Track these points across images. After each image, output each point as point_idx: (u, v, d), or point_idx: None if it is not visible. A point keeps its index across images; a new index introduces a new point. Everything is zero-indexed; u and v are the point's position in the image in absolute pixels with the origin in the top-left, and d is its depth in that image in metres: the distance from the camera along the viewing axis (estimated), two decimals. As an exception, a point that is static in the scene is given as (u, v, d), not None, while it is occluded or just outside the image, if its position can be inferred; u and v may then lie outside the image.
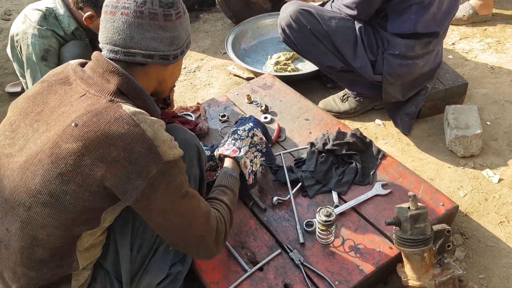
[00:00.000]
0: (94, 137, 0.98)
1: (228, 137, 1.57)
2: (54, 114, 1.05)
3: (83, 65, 1.15)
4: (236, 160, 1.47)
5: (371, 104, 2.30)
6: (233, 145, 1.51)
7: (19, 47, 1.79)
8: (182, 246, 1.17)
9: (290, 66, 2.70)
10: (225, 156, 1.49)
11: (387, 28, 1.97)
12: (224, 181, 1.37)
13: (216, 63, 2.88)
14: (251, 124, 1.60)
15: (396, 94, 2.11)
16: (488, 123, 2.14)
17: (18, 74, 1.94)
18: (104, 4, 1.11)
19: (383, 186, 1.64)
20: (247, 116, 1.68)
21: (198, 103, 2.20)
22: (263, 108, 2.11)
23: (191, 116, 2.08)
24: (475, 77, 2.45)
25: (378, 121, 2.26)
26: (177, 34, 1.12)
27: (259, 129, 1.60)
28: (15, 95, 2.68)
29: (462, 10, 2.87)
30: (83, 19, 1.66)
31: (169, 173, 1.04)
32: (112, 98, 1.04)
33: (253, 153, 1.55)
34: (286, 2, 2.37)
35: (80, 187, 0.99)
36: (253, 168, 1.54)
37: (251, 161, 1.53)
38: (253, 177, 1.54)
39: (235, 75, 2.74)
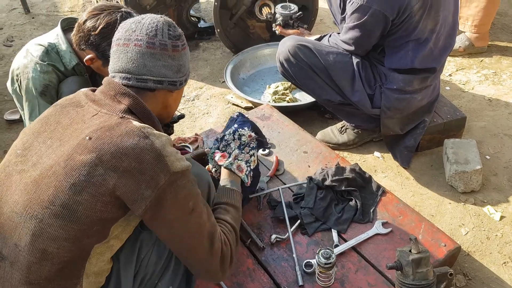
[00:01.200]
0: (107, 148, 1.04)
1: (217, 142, 1.52)
2: (67, 131, 1.11)
3: (93, 90, 1.22)
4: (227, 168, 1.43)
5: (370, 136, 2.29)
6: (222, 151, 1.47)
7: (19, 81, 1.79)
8: (187, 263, 1.21)
9: (288, 96, 2.70)
10: (219, 165, 1.44)
11: (385, 63, 1.99)
12: (225, 197, 1.36)
13: (214, 91, 2.89)
14: (235, 125, 1.54)
15: (395, 127, 2.11)
16: (488, 157, 2.13)
17: (18, 107, 1.94)
18: (115, 38, 1.20)
19: (384, 224, 1.62)
20: (235, 115, 1.62)
21: (196, 134, 2.19)
22: (261, 140, 2.10)
23: (189, 147, 2.07)
24: (473, 109, 2.46)
25: (377, 153, 2.25)
26: (182, 63, 1.23)
27: (245, 128, 1.53)
28: (14, 122, 2.67)
29: (458, 42, 2.90)
30: (84, 60, 1.66)
31: (176, 184, 1.08)
32: (123, 115, 1.12)
33: (247, 153, 1.48)
34: (284, 36, 2.39)
35: (93, 197, 1.03)
36: (252, 167, 1.48)
37: (246, 162, 1.46)
38: (251, 177, 1.47)
39: (233, 104, 2.74)
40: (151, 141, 1.06)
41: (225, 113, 2.67)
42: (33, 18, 3.91)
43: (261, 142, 1.60)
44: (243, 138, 1.51)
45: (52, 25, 3.74)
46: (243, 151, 1.48)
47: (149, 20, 1.20)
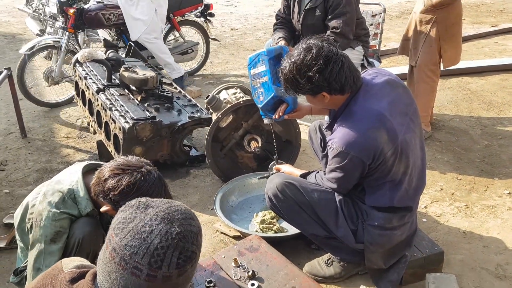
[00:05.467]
0: None
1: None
2: None
3: (76, 280, 1.09)
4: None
5: (355, 269, 2.36)
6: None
7: (30, 224, 1.84)
8: None
9: (275, 225, 2.81)
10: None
11: (365, 201, 2.16)
12: None
13: (203, 219, 2.98)
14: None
15: (378, 261, 2.20)
16: (469, 292, 2.20)
17: (17, 240, 1.96)
18: (115, 243, 1.01)
19: None
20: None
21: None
22: (250, 273, 2.14)
23: None
24: (450, 242, 2.59)
25: (363, 287, 2.29)
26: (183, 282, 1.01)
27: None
28: (12, 226, 2.65)
29: None
30: (101, 210, 1.74)
31: None
32: None
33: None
34: (273, 171, 2.62)
35: None
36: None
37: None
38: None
39: (221, 232, 2.82)
40: None
41: (213, 242, 2.73)
42: (29, 142, 4.05)
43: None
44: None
45: (47, 150, 3.90)
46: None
47: (158, 240, 0.96)
